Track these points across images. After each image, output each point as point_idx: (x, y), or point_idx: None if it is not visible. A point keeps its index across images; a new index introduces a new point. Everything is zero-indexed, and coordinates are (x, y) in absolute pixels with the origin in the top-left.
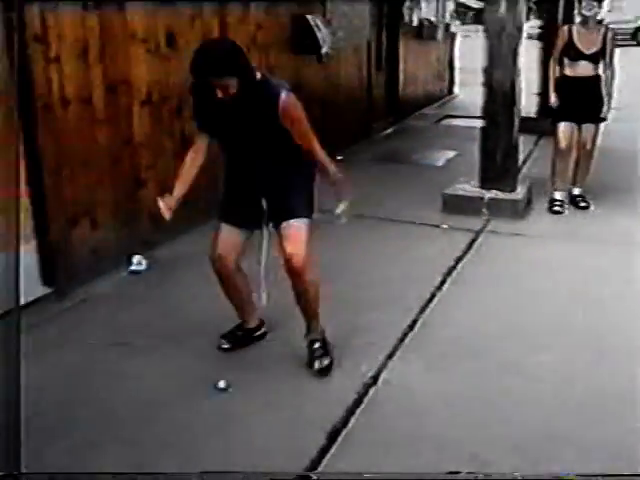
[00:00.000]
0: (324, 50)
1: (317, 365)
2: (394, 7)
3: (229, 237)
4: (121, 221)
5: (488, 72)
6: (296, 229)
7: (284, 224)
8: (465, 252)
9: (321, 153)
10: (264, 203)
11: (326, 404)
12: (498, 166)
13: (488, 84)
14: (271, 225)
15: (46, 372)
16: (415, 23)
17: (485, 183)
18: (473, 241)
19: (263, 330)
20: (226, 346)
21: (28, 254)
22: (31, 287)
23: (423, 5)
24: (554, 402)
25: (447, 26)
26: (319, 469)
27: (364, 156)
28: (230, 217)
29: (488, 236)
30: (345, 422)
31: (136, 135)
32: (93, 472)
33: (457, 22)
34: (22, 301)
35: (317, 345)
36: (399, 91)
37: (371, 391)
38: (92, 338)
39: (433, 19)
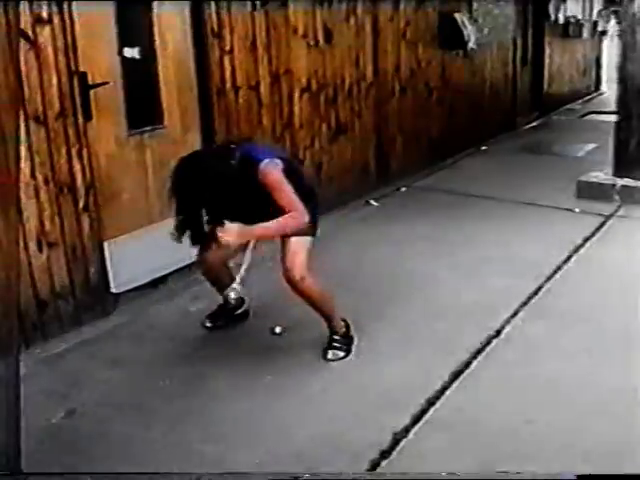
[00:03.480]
0: (470, 46)
1: (330, 355)
2: (540, 5)
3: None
4: None
5: (622, 67)
6: (294, 246)
7: (286, 240)
8: (593, 233)
9: (288, 222)
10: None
11: (453, 349)
12: (631, 155)
13: (622, 79)
14: None
15: None
16: (561, 21)
17: (618, 171)
18: (602, 224)
19: (244, 308)
20: (209, 325)
21: None
22: None
23: (569, 3)
24: None
25: (595, 24)
26: (441, 399)
27: (507, 146)
28: None
29: (617, 220)
30: (467, 364)
31: (296, 119)
32: (93, 472)
33: (611, 21)
34: None
35: (335, 338)
36: (544, 87)
37: (494, 342)
38: None
39: (580, 17)
